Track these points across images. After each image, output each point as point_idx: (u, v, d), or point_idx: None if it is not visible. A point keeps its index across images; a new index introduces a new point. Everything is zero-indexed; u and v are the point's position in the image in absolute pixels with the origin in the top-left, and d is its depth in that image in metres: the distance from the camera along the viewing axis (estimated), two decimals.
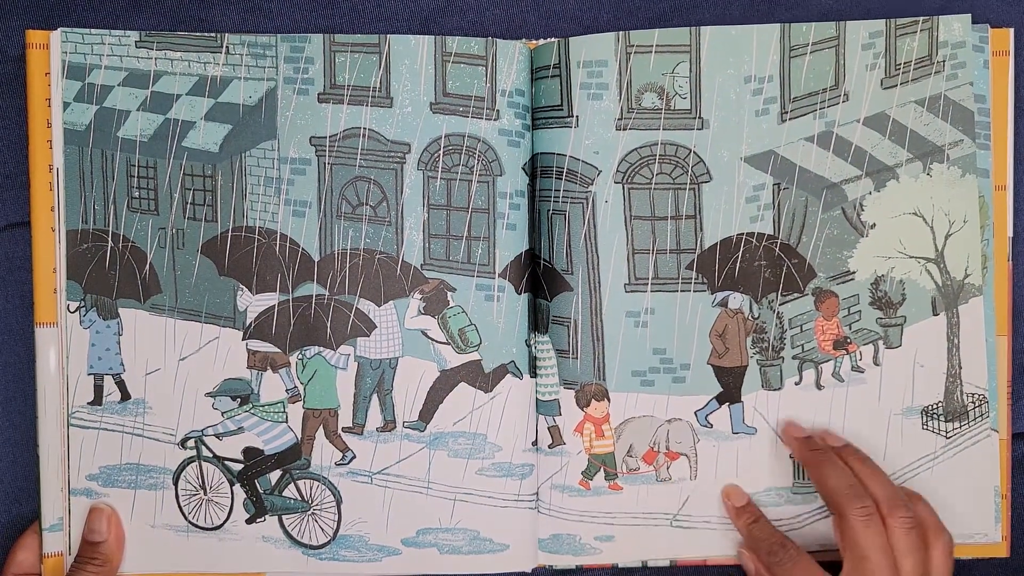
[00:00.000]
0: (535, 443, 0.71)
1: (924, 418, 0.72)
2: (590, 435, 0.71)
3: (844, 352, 0.73)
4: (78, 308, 0.69)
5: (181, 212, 0.69)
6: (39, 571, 0.69)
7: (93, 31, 0.68)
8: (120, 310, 0.69)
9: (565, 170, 0.69)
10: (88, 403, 0.69)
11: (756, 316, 0.72)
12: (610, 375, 0.70)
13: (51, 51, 0.67)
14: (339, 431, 0.70)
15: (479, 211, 0.69)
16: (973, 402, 0.72)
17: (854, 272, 0.72)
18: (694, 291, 0.71)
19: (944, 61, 0.71)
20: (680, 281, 0.70)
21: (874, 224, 0.71)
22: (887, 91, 0.71)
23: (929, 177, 0.71)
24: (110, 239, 0.69)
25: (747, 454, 0.72)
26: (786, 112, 0.70)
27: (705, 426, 0.72)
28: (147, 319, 0.69)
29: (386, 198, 0.69)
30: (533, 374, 0.71)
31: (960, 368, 0.72)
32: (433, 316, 0.70)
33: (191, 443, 0.70)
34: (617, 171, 0.69)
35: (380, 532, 0.70)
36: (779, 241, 0.71)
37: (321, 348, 0.70)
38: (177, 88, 0.68)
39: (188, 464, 0.70)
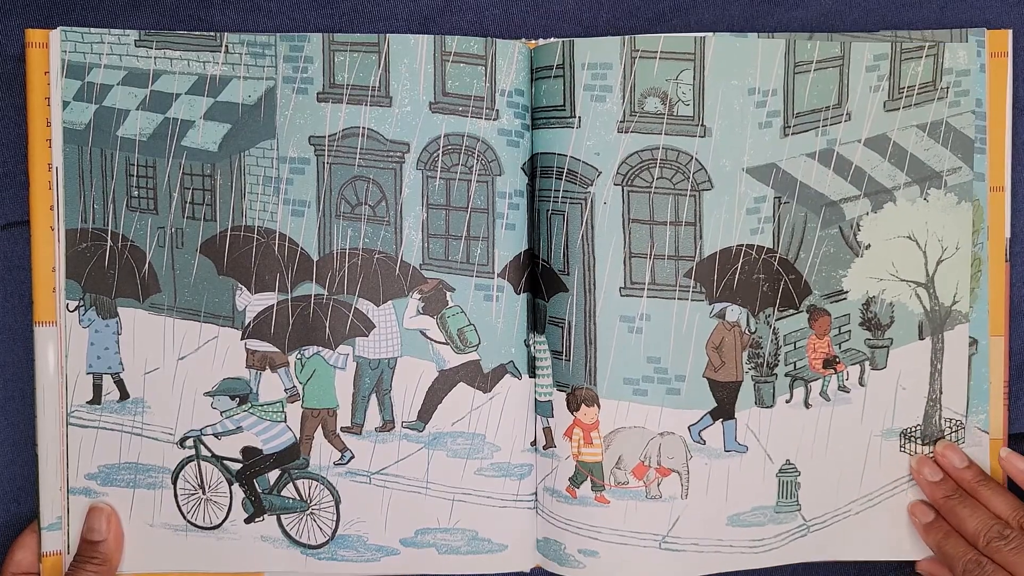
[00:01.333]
0: (534, 443, 0.71)
1: (902, 440, 0.72)
2: (579, 441, 0.70)
3: (833, 371, 0.73)
4: (77, 307, 0.69)
5: (180, 211, 0.69)
6: (38, 570, 0.69)
7: (92, 30, 0.68)
8: (119, 309, 0.69)
9: (565, 170, 0.69)
10: (87, 402, 0.69)
11: (753, 331, 0.71)
12: (601, 380, 0.69)
13: (50, 50, 0.67)
14: (338, 431, 0.70)
15: (478, 211, 0.69)
16: (950, 427, 0.72)
17: (847, 292, 0.72)
18: (691, 300, 0.70)
19: (948, 88, 0.71)
20: (678, 288, 0.69)
21: (869, 245, 0.71)
22: (889, 113, 0.71)
23: (926, 202, 0.71)
24: (109, 238, 0.69)
25: (737, 473, 0.71)
26: (789, 126, 0.70)
27: (698, 442, 0.71)
28: (146, 318, 0.69)
29: (385, 198, 0.69)
30: (532, 374, 0.71)
31: (940, 393, 0.72)
32: (432, 316, 0.70)
33: (190, 442, 0.70)
34: (617, 173, 0.68)
35: (379, 532, 0.70)
36: (778, 255, 0.71)
37: (320, 348, 0.70)
38: (176, 87, 0.68)
39: (187, 463, 0.70)
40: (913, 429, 0.72)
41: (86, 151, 0.68)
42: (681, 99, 0.68)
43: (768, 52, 0.69)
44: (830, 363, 0.72)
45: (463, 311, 0.70)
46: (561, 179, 0.69)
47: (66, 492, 0.69)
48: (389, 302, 0.70)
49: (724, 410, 0.71)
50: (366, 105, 0.68)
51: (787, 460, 0.72)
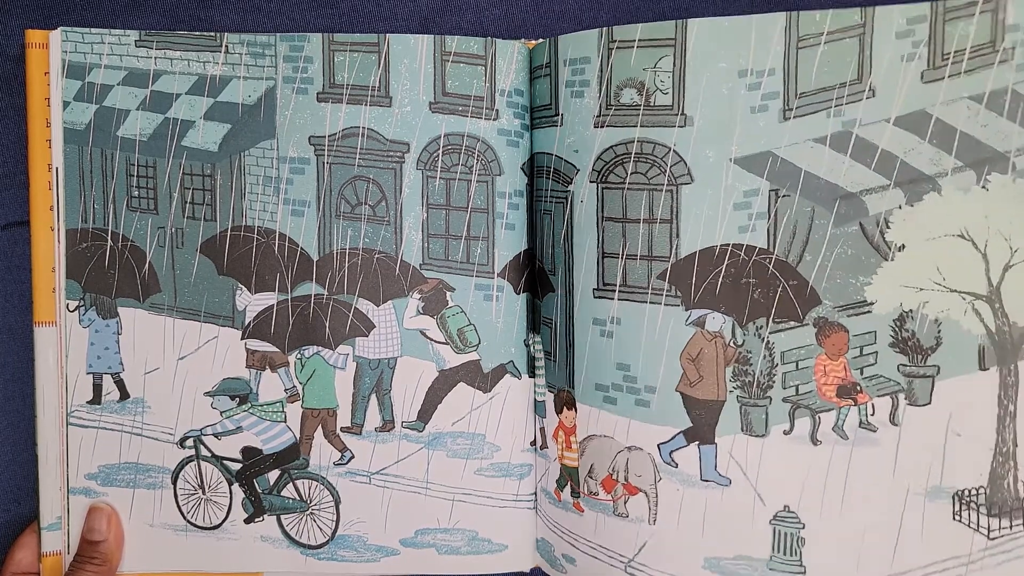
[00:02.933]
0: (533, 443, 0.71)
1: (957, 505, 0.58)
2: (562, 443, 0.69)
3: (851, 402, 0.60)
4: (77, 307, 0.69)
5: (180, 211, 0.69)
6: (38, 570, 0.69)
7: (93, 30, 0.68)
8: (119, 309, 0.69)
9: (552, 169, 0.68)
10: (87, 402, 0.69)
11: (740, 343, 0.62)
12: (577, 384, 0.67)
13: (51, 50, 0.67)
14: (338, 431, 0.70)
15: (478, 211, 0.69)
16: None
17: (872, 303, 0.60)
18: (665, 304, 0.63)
19: (1014, 48, 0.58)
20: (650, 291, 0.63)
21: (903, 246, 0.59)
22: (929, 85, 0.59)
23: (985, 191, 0.58)
24: (109, 238, 0.69)
25: (717, 508, 0.62)
26: (790, 109, 0.61)
27: (668, 463, 0.63)
28: (146, 318, 0.69)
29: (385, 197, 0.69)
30: (531, 374, 0.71)
31: (1015, 447, 0.57)
32: (432, 316, 0.70)
33: (190, 442, 0.70)
34: (592, 170, 0.65)
35: (378, 532, 0.70)
36: (774, 257, 0.61)
37: (320, 348, 0.70)
38: (176, 87, 0.68)
39: (187, 463, 0.70)
40: (974, 492, 0.58)
41: (86, 151, 0.68)
42: (659, 88, 0.62)
43: (764, 29, 0.61)
44: (847, 391, 0.60)
45: (463, 311, 0.70)
46: (549, 178, 0.68)
47: (66, 492, 0.69)
48: (389, 302, 0.70)
49: (701, 432, 0.62)
50: (366, 105, 0.68)
51: (785, 506, 0.61)
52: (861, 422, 0.60)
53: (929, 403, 0.58)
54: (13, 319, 0.71)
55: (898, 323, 0.59)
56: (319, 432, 0.70)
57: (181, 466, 0.70)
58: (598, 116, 0.64)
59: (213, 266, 0.69)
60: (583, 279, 0.66)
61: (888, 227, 0.59)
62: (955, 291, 0.58)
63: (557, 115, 0.67)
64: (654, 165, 0.63)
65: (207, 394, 0.70)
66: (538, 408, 0.71)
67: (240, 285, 0.70)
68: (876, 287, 0.59)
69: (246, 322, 0.70)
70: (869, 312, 0.59)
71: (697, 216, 0.62)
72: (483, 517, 0.70)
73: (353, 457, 0.70)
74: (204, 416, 0.70)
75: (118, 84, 0.68)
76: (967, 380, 0.58)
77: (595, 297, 0.65)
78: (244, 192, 0.69)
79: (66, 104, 0.68)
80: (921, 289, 0.58)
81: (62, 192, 0.68)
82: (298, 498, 0.70)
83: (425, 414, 0.70)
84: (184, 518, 0.70)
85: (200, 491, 0.70)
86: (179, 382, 0.70)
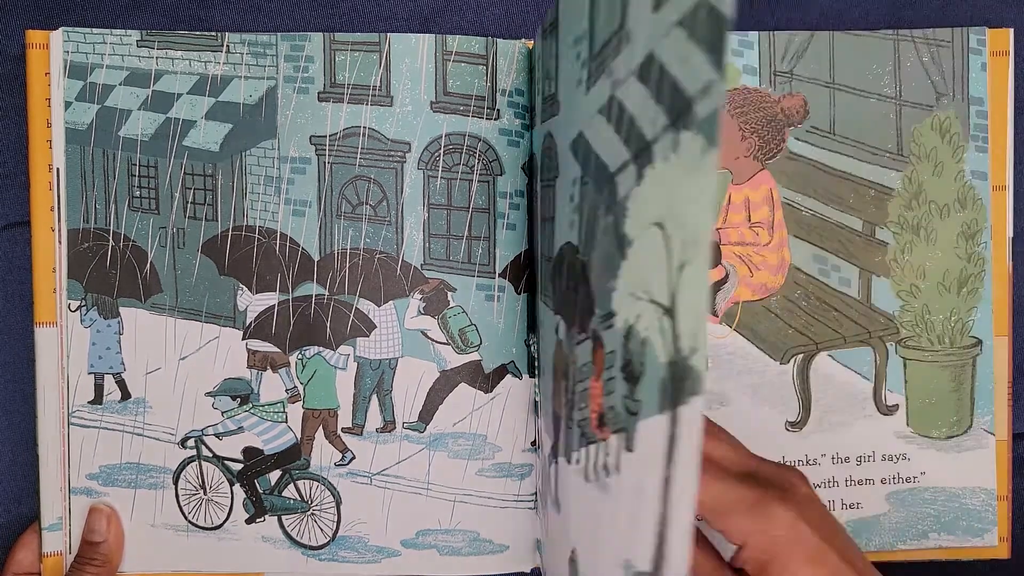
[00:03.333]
0: (534, 443, 0.71)
1: None
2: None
3: (600, 436, 0.45)
4: (79, 307, 0.69)
5: (182, 211, 0.69)
6: (39, 570, 0.69)
7: (94, 30, 0.68)
8: (121, 309, 0.69)
9: (537, 168, 0.68)
10: (88, 402, 0.69)
11: (566, 355, 0.51)
12: (540, 387, 0.66)
13: (52, 51, 0.68)
14: (339, 431, 0.70)
15: (479, 211, 0.69)
16: None
17: (615, 314, 0.43)
18: (552, 310, 0.58)
19: None
20: (543, 294, 0.60)
21: (632, 240, 0.41)
22: (658, 15, 0.37)
23: (677, 156, 0.37)
24: (111, 238, 0.69)
25: (560, 534, 0.54)
26: (592, 76, 0.46)
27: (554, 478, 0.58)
28: (147, 318, 0.69)
29: (386, 197, 0.69)
30: (532, 374, 0.71)
31: (665, 527, 0.36)
32: (433, 316, 0.70)
33: (191, 443, 0.70)
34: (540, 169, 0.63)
35: (379, 533, 0.70)
36: (579, 258, 0.49)
37: (321, 348, 0.70)
38: (178, 87, 0.69)
39: (188, 464, 0.70)
40: None
41: (88, 151, 0.68)
42: (551, 76, 0.55)
43: None
44: (601, 422, 0.45)
45: (464, 311, 0.70)
46: (536, 178, 0.68)
47: (67, 492, 0.69)
48: (390, 302, 0.70)
49: (557, 448, 0.54)
50: (367, 104, 0.68)
51: (573, 548, 0.49)
52: (603, 463, 0.45)
53: (633, 450, 0.41)
54: (13, 320, 0.71)
55: (625, 340, 0.41)
56: (320, 433, 0.70)
57: (182, 466, 0.70)
58: (539, 114, 0.63)
59: (214, 266, 0.69)
60: (540, 280, 0.65)
61: (625, 215, 0.41)
62: (653, 301, 0.38)
63: (536, 115, 0.66)
64: (550, 162, 0.57)
65: (208, 394, 0.70)
66: (536, 408, 0.71)
67: (241, 285, 0.70)
68: (618, 293, 0.43)
69: (247, 322, 0.70)
70: (611, 326, 0.43)
71: (559, 213, 0.54)
72: (484, 518, 0.70)
73: (354, 458, 0.70)
74: (205, 416, 0.70)
75: (120, 84, 0.68)
76: (654, 424, 0.38)
77: (540, 300, 0.64)
78: (245, 192, 0.69)
79: (68, 104, 0.68)
80: (639, 298, 0.40)
81: (63, 192, 0.68)
82: (299, 499, 0.70)
83: (426, 415, 0.70)
84: (185, 518, 0.70)
85: (201, 491, 0.70)
86: (180, 382, 0.70)
